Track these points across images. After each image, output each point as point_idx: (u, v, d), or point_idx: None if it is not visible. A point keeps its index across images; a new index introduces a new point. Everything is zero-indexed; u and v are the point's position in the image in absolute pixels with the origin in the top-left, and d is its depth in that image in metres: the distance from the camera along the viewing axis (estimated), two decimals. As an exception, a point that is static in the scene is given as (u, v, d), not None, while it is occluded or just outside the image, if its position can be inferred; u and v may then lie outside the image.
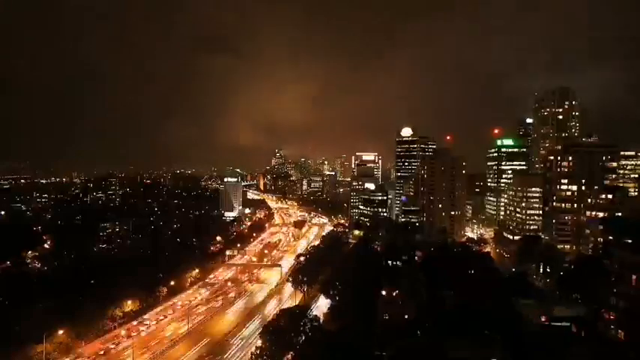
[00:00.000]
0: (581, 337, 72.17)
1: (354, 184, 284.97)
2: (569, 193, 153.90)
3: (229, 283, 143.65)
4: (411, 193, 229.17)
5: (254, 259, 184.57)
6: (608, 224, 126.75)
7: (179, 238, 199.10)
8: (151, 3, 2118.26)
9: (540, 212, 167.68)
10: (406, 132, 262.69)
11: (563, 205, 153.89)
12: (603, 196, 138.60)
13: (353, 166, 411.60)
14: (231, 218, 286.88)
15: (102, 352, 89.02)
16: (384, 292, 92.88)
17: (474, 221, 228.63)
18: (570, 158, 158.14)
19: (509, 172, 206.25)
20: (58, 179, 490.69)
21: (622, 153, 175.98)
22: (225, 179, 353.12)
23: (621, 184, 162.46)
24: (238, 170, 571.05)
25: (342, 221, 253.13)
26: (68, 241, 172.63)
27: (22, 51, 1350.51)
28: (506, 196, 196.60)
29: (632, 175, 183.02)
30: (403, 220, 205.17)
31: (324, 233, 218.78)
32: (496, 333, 66.76)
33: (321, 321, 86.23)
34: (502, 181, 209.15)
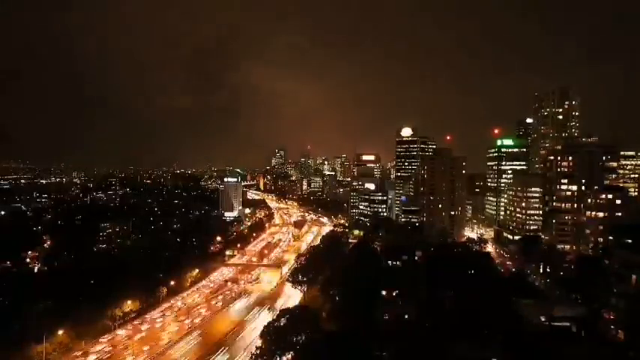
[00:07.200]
0: (581, 337, 72.23)
1: (354, 184, 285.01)
2: (569, 193, 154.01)
3: (229, 283, 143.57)
4: (411, 193, 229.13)
5: (254, 259, 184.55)
6: (608, 224, 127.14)
7: (179, 238, 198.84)
8: (151, 5, 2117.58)
9: (540, 212, 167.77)
10: (406, 132, 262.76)
11: (563, 205, 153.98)
12: (603, 196, 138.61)
13: (353, 166, 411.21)
14: (231, 218, 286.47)
15: (102, 352, 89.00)
16: (384, 292, 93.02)
17: (474, 221, 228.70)
18: (570, 158, 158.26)
19: (509, 172, 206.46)
20: (58, 179, 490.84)
21: (622, 153, 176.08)
22: (225, 179, 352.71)
23: (621, 184, 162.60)
24: (238, 170, 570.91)
25: (342, 221, 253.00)
26: (68, 241, 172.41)
27: (23, 51, 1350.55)
28: (506, 196, 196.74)
29: (632, 175, 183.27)
30: (403, 220, 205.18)
31: (324, 233, 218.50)
32: (496, 333, 66.82)
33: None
34: (502, 181, 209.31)
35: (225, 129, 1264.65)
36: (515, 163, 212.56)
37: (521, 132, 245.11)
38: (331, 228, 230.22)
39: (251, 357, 76.19)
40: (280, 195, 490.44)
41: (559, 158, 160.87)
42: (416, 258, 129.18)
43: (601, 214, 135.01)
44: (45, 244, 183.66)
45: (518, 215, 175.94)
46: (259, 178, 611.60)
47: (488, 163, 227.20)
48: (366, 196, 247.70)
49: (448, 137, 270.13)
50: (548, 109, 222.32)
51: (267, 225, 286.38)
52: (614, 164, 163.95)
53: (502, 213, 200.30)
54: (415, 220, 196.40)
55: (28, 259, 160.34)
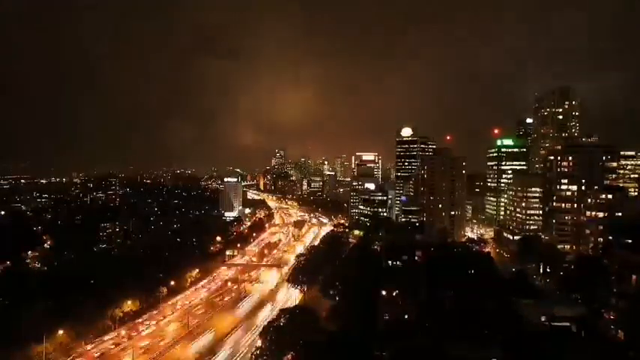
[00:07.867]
0: (581, 337, 72.16)
1: (354, 184, 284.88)
2: (569, 193, 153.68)
3: (229, 283, 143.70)
4: (411, 193, 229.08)
5: (254, 259, 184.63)
6: (608, 224, 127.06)
7: (179, 238, 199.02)
8: (150, 3, 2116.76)
9: (540, 212, 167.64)
10: (406, 132, 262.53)
11: (563, 205, 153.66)
12: (603, 196, 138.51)
13: (353, 166, 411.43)
14: (231, 218, 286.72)
15: (102, 352, 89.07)
16: (384, 292, 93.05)
17: (474, 221, 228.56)
18: (570, 158, 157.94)
19: (509, 172, 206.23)
20: (58, 179, 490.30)
21: (622, 153, 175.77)
22: (225, 179, 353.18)
23: (621, 184, 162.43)
24: (238, 170, 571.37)
25: (342, 221, 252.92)
26: (68, 241, 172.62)
27: (22, 51, 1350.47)
28: (506, 196, 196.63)
29: (632, 175, 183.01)
30: (403, 220, 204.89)
31: (324, 233, 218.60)
32: (496, 333, 66.81)
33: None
34: (502, 181, 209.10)
35: (225, 129, 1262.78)
36: (515, 163, 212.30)
37: (521, 132, 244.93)
38: (331, 228, 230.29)
39: (251, 357, 76.25)
40: (280, 195, 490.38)
41: (559, 158, 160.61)
42: (416, 258, 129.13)
43: (601, 214, 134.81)
44: (45, 244, 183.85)
45: (518, 215, 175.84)
46: (259, 178, 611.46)
47: (489, 163, 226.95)
48: (366, 196, 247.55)
49: (448, 137, 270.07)
50: (548, 109, 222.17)
51: (267, 225, 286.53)
52: (614, 164, 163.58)
53: (502, 213, 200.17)
54: (415, 220, 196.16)
55: (28, 259, 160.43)
